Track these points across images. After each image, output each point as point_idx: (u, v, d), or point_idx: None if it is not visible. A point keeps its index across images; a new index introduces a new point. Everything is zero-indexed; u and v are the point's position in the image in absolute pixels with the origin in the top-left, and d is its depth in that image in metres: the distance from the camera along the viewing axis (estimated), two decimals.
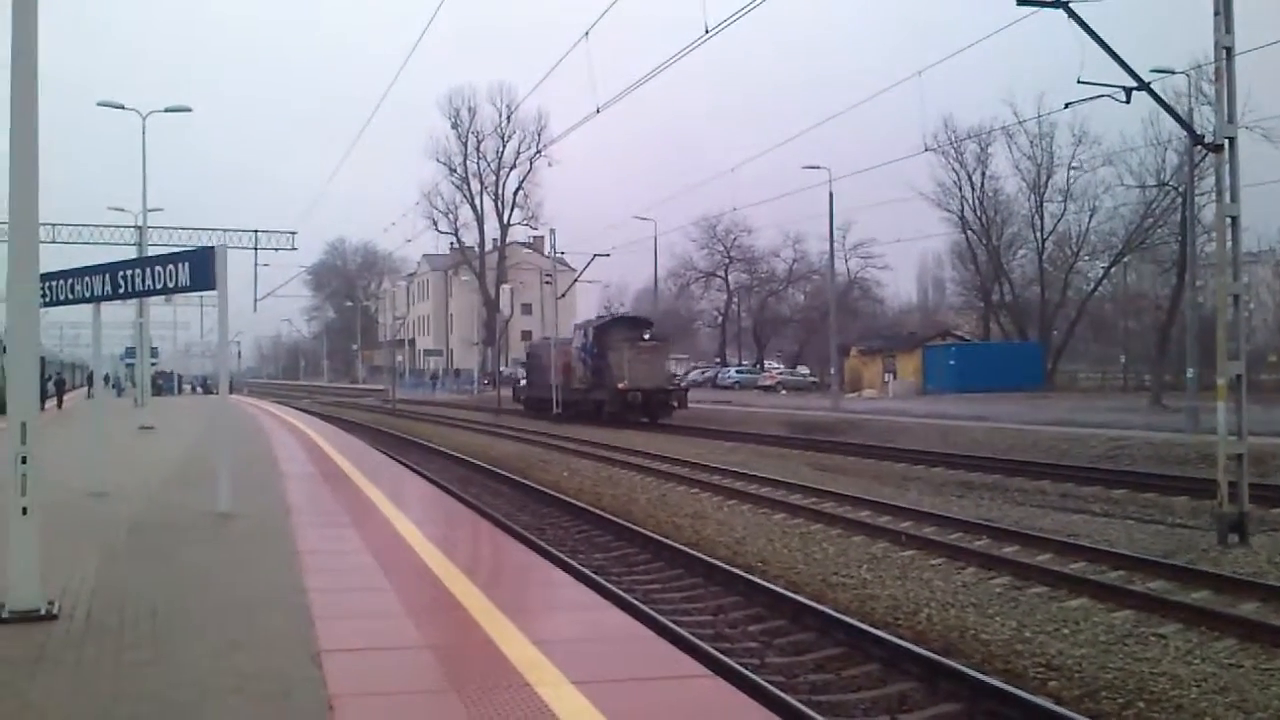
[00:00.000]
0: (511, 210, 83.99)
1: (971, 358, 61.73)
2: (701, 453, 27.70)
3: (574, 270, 69.41)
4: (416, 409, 57.17)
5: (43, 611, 6.89)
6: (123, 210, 47.68)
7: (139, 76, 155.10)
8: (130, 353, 50.18)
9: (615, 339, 43.25)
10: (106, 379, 43.36)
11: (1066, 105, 22.79)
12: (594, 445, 29.93)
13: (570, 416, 43.49)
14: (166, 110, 39.54)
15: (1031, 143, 65.23)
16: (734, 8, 18.53)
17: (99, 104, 39.21)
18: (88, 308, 13.39)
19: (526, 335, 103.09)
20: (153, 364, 52.07)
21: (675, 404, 42.13)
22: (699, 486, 20.53)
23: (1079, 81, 24.19)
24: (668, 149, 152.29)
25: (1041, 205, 66.52)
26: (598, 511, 17.44)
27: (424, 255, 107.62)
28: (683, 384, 49.90)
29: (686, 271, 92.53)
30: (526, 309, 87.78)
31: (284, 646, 6.17)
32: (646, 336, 43.66)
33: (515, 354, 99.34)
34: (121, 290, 12.25)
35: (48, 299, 12.13)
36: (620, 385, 41.11)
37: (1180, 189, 47.87)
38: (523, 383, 55.14)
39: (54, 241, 44.62)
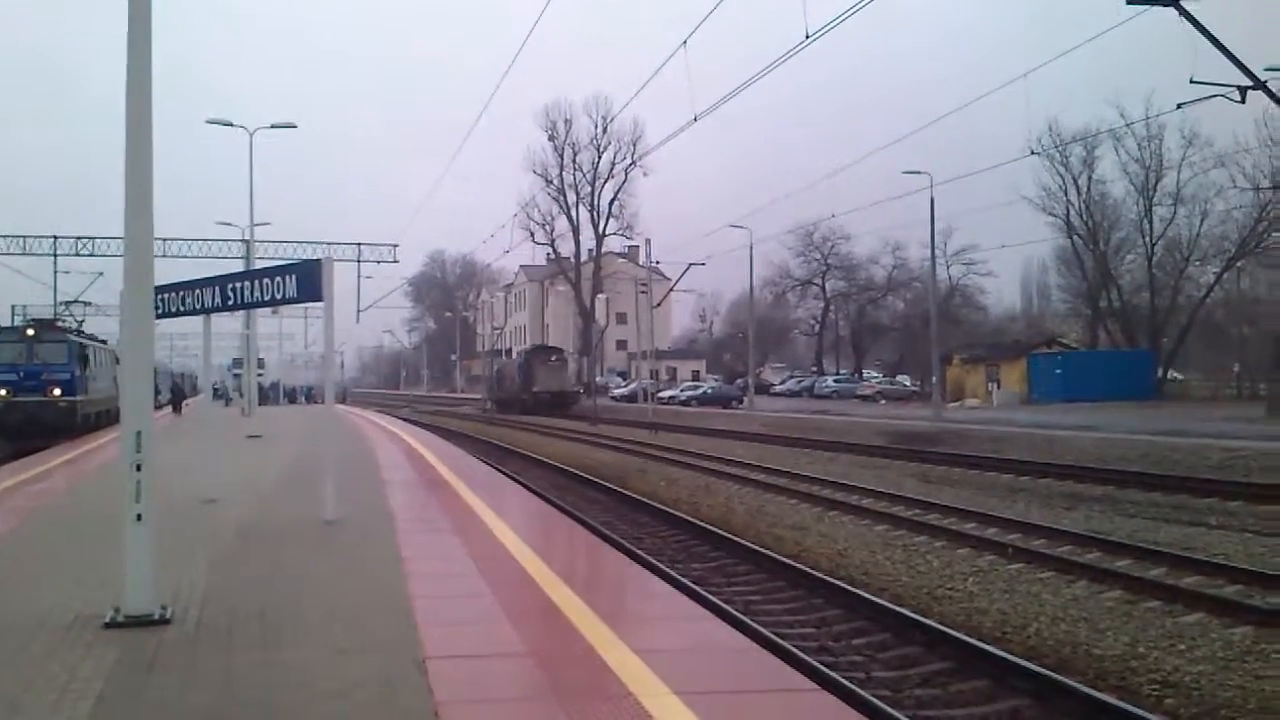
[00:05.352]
0: (607, 220, 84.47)
1: (1078, 366, 60.27)
2: (800, 463, 27.44)
3: (669, 279, 69.57)
4: (511, 417, 58.15)
5: (156, 616, 7.02)
6: (230, 225, 49.19)
7: (247, 97, 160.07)
8: (237, 363, 51.46)
9: (534, 359, 67.86)
10: (215, 389, 44.62)
11: (1179, 106, 22.29)
12: (688, 454, 29.85)
13: (518, 410, 62.12)
14: (273, 126, 40.52)
15: (1140, 145, 63.62)
16: (837, 10, 18.43)
17: (208, 121, 40.40)
18: (197, 319, 13.63)
19: (622, 345, 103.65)
20: (259, 374, 53.41)
21: (572, 402, 64.79)
22: (798, 497, 20.31)
23: (1191, 81, 23.54)
24: (765, 156, 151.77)
25: (1150, 209, 64.71)
26: (696, 521, 17.36)
27: (521, 266, 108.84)
28: (578, 389, 71.33)
29: (783, 280, 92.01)
30: (621, 318, 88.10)
31: (390, 652, 6.21)
32: (553, 358, 67.78)
33: (610, 364, 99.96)
34: (231, 302, 12.46)
35: (160, 311, 12.42)
36: (536, 389, 64.00)
37: None
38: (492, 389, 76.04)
39: (164, 256, 46.27)
